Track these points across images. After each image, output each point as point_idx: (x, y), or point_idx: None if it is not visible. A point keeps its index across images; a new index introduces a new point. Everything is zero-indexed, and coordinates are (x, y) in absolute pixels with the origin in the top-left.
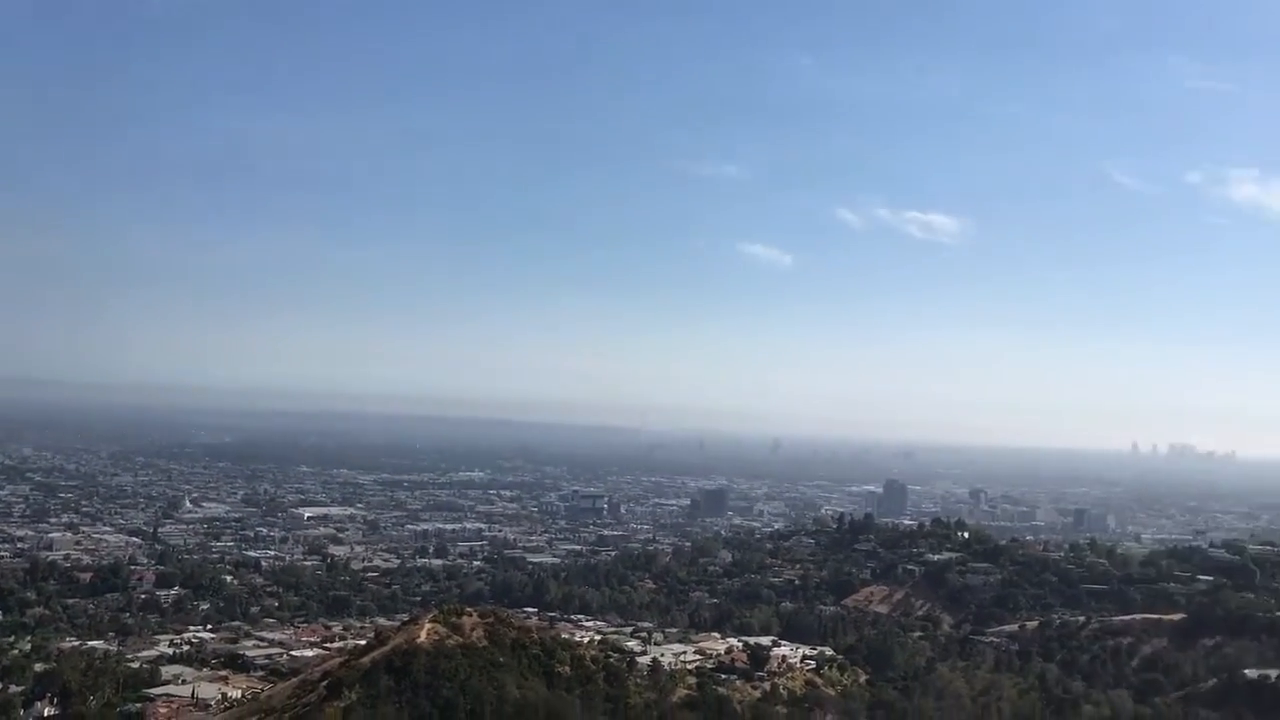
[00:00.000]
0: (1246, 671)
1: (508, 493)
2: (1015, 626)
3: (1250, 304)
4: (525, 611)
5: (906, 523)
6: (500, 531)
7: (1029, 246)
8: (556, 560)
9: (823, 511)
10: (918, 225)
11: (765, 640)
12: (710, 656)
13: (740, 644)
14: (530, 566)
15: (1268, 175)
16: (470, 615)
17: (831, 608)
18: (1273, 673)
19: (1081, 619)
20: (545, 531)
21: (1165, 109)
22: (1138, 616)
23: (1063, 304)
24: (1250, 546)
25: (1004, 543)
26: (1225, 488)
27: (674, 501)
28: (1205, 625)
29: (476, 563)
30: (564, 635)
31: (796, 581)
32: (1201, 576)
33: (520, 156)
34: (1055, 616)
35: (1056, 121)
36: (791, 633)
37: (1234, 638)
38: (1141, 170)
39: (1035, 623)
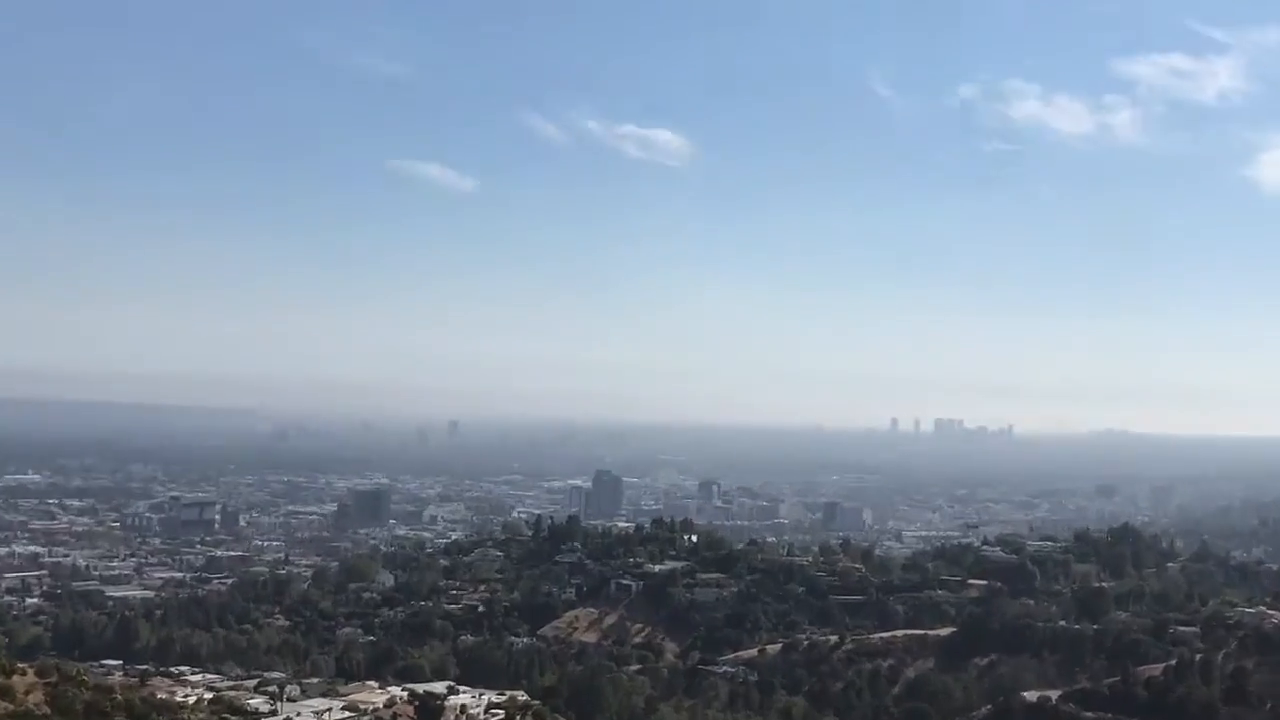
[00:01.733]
0: (1025, 694)
1: (77, 502)
2: (755, 651)
3: (1031, 254)
4: (105, 665)
5: (622, 526)
6: (67, 557)
7: (772, 174)
8: (149, 593)
9: (515, 515)
10: (635, 142)
11: (439, 687)
12: (365, 712)
13: (405, 694)
14: (111, 603)
15: (1051, 92)
16: (24, 673)
17: (526, 639)
18: (1054, 693)
19: (834, 638)
20: (132, 555)
21: (934, 10)
22: (900, 633)
23: (811, 251)
24: (1029, 543)
25: (741, 547)
26: (1000, 471)
27: (315, 508)
28: (978, 640)
29: (32, 600)
30: (161, 695)
31: (480, 607)
32: (974, 582)
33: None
34: (803, 636)
35: (809, 17)
36: (474, 674)
37: (1011, 654)
38: (908, 82)
39: (778, 645)
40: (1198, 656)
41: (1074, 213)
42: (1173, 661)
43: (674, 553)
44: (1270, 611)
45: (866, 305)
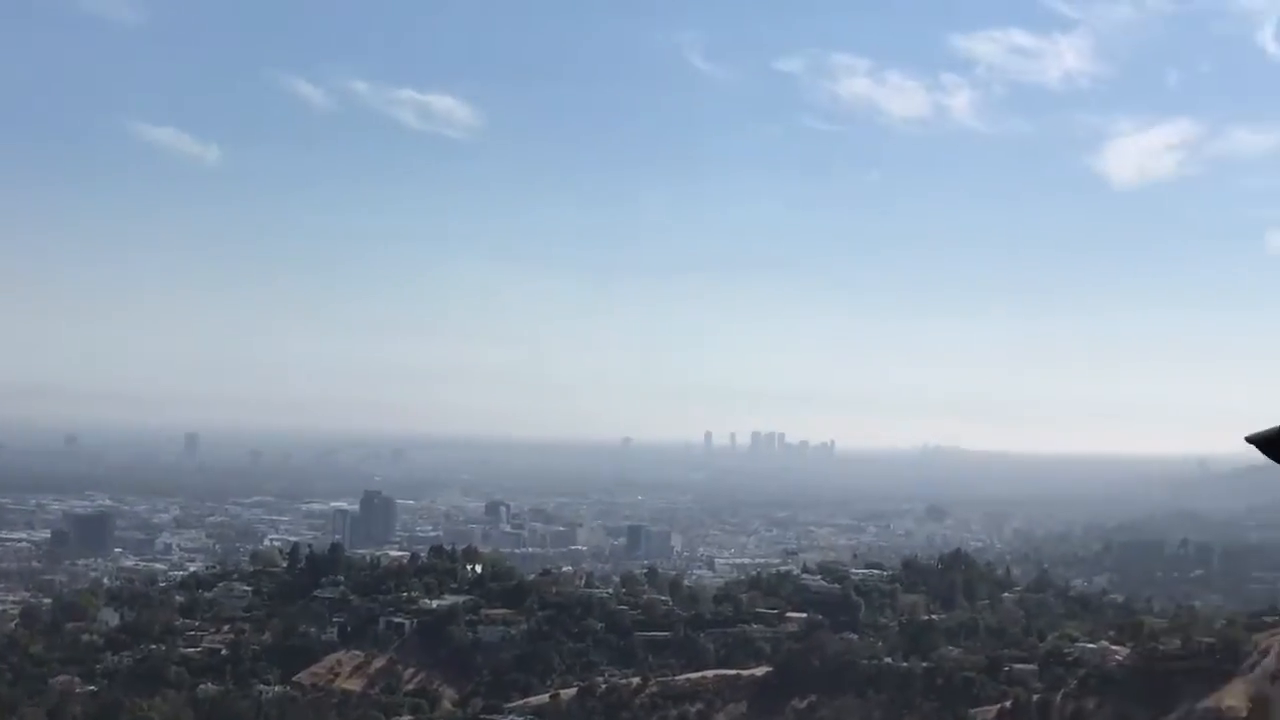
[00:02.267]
0: None
1: None
2: (546, 697)
3: (858, 248)
4: None
5: (394, 555)
6: None
7: (573, 151)
8: None
9: (266, 543)
10: (415, 109)
11: None
12: None
13: None
14: None
15: (882, 68)
16: None
17: (278, 687)
18: None
19: (636, 680)
20: None
21: None
22: (710, 673)
23: (617, 240)
24: (853, 571)
25: (533, 578)
26: (822, 491)
27: (23, 535)
28: (797, 680)
29: None
30: None
31: (224, 651)
32: (792, 614)
33: None
34: (601, 679)
35: None
36: None
37: (833, 694)
38: (724, 53)
39: (574, 689)
40: (1035, 696)
41: (905, 202)
42: (1008, 702)
43: (455, 585)
44: (1113, 647)
45: (678, 303)
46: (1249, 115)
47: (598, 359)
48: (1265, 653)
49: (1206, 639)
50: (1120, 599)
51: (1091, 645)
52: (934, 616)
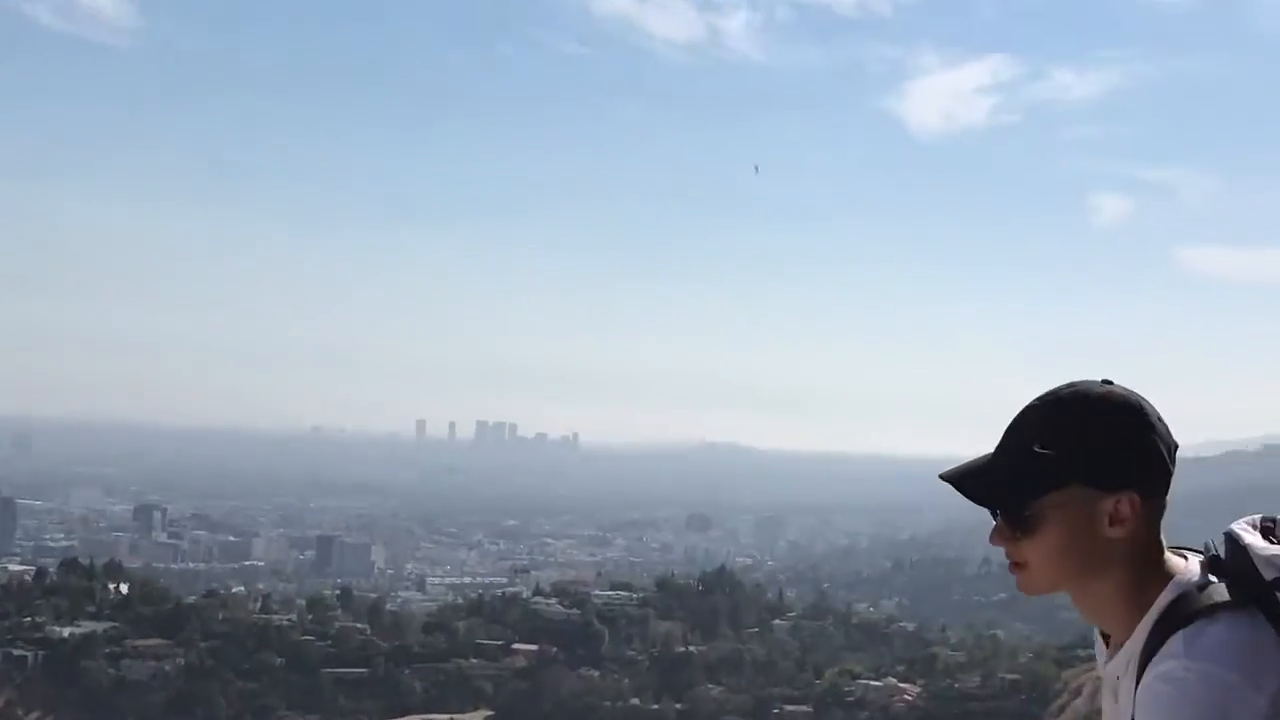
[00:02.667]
0: None
1: None
2: None
3: (609, 200)
4: None
5: (14, 570)
6: None
7: (249, 64)
8: None
9: None
10: (52, 7)
11: None
12: None
13: None
14: None
15: None
16: None
17: None
18: None
19: None
20: None
21: None
22: (417, 718)
23: (315, 185)
24: (596, 594)
25: (194, 600)
26: (563, 495)
27: None
28: None
29: None
30: None
31: None
32: (521, 646)
33: None
34: None
35: None
36: None
37: None
38: None
39: None
40: None
41: (667, 141)
42: None
43: (93, 609)
44: (902, 685)
45: (385, 258)
46: (1074, 54)
47: (282, 327)
48: (1077, 692)
49: (1010, 675)
50: (911, 627)
51: (877, 683)
52: (692, 648)
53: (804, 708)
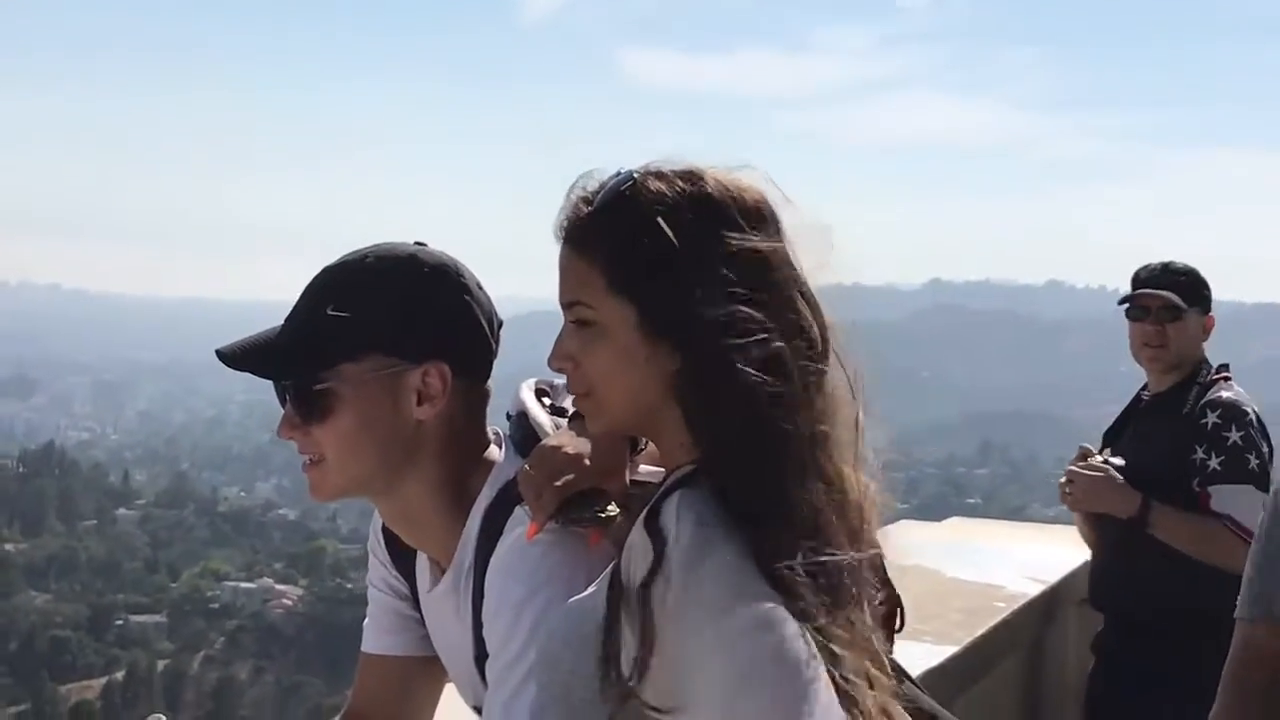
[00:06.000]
0: None
1: None
2: None
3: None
4: None
5: None
6: None
7: None
8: None
9: None
10: None
11: None
12: None
13: None
14: None
15: None
16: None
17: None
18: None
19: None
20: None
21: None
22: None
23: None
24: None
25: None
26: None
27: None
28: None
29: None
30: None
31: None
32: None
33: None
34: None
35: None
36: None
37: None
38: None
39: None
40: (162, 662)
41: None
42: (120, 673)
43: None
44: (281, 587)
45: None
46: None
47: None
48: None
49: None
50: (293, 515)
51: (249, 584)
52: (10, 547)
53: (155, 617)
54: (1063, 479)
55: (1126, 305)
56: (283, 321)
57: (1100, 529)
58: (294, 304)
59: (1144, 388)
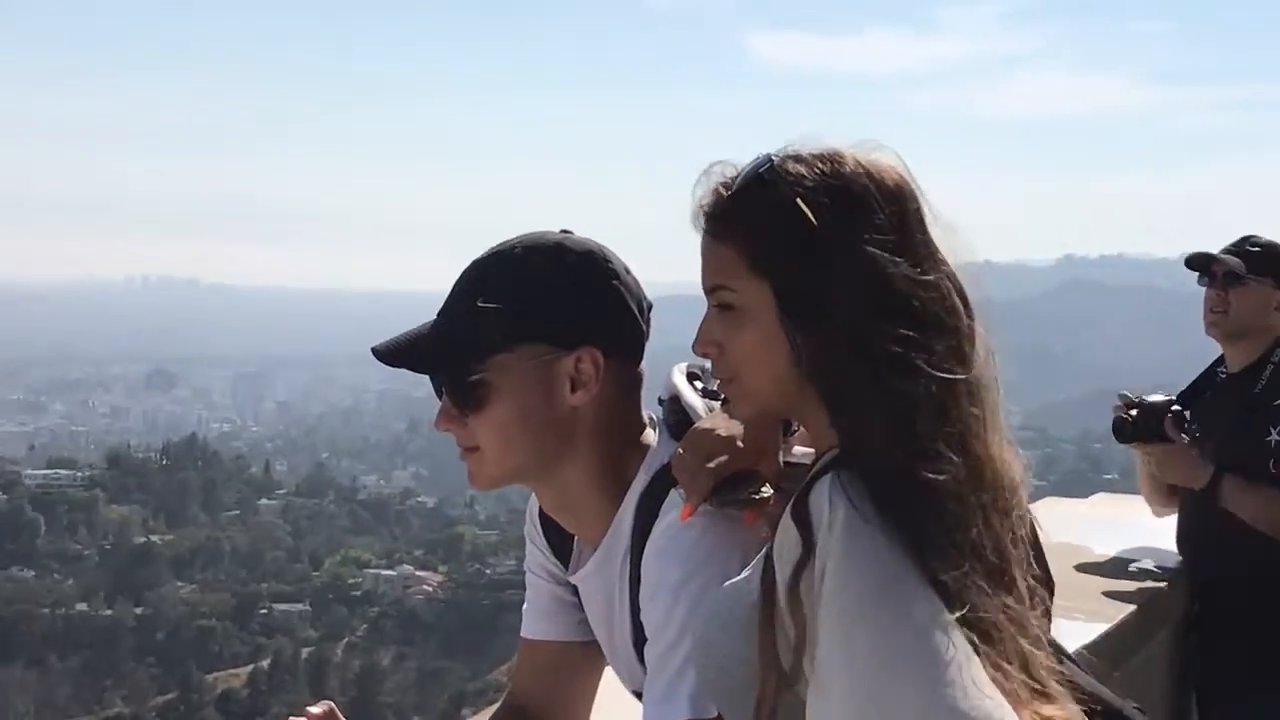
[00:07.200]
0: None
1: None
2: None
3: None
4: None
5: None
6: None
7: None
8: None
9: None
10: None
11: None
12: None
13: None
14: None
15: None
16: None
17: None
18: None
19: None
20: None
21: None
22: None
23: None
24: (27, 474)
25: None
26: None
27: None
28: None
29: None
30: None
31: None
32: None
33: None
34: None
35: None
36: None
37: None
38: None
39: None
40: (306, 650)
41: None
42: (265, 661)
43: None
44: (421, 574)
45: None
46: None
47: None
48: None
49: None
50: (431, 503)
51: (390, 572)
52: (155, 538)
53: (300, 606)
54: (1122, 408)
55: (1198, 273)
56: (434, 315)
57: (1181, 496)
58: (445, 297)
59: (1220, 361)
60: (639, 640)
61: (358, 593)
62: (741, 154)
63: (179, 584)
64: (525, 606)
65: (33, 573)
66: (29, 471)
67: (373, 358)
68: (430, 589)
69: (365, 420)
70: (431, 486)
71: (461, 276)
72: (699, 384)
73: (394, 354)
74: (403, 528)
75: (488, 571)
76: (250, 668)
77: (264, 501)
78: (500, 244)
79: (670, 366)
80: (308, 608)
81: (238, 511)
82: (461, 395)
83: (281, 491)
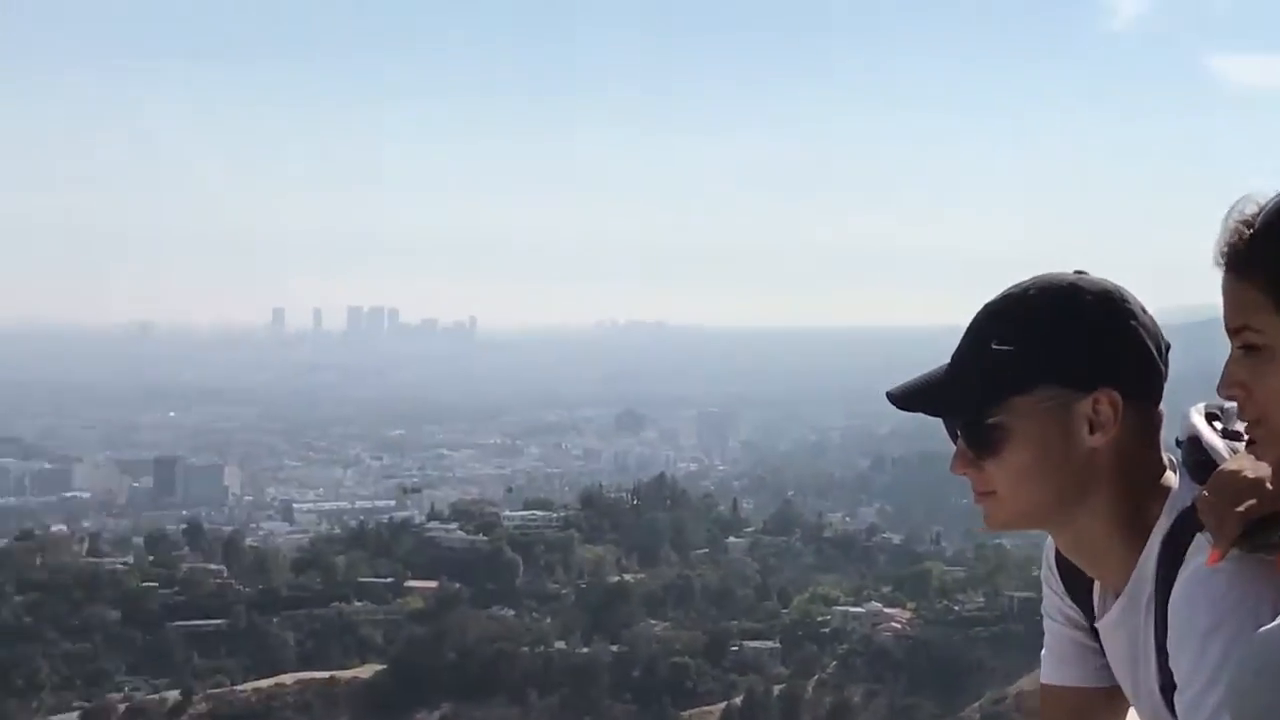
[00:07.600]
0: None
1: None
2: None
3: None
4: None
5: None
6: None
7: None
8: None
9: None
10: None
11: None
12: None
13: None
14: None
15: None
16: None
17: None
18: None
19: (174, 695)
20: None
21: None
22: (290, 678)
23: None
24: (506, 515)
25: (12, 542)
26: (460, 394)
27: None
28: (422, 682)
29: None
30: None
31: None
32: (416, 584)
33: None
34: (118, 695)
35: None
36: None
37: (477, 699)
38: None
39: (74, 714)
40: (777, 687)
41: None
42: (738, 698)
43: None
44: (889, 610)
45: (222, 92)
46: None
47: (80, 206)
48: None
49: (1020, 593)
50: (897, 539)
51: (858, 609)
52: (628, 577)
53: (769, 643)
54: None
55: None
56: (948, 362)
57: None
58: (959, 343)
59: None
60: (1165, 686)
61: (826, 629)
62: (1268, 193)
63: (652, 622)
64: (1044, 652)
65: (512, 611)
66: (508, 513)
67: (886, 401)
68: (899, 625)
69: (830, 457)
70: (897, 523)
71: (975, 319)
72: (1218, 424)
73: (909, 398)
74: (869, 564)
75: (956, 608)
76: (724, 704)
77: (732, 539)
78: (1014, 286)
79: (1185, 405)
80: (778, 645)
81: (707, 550)
82: (978, 439)
83: (749, 529)
